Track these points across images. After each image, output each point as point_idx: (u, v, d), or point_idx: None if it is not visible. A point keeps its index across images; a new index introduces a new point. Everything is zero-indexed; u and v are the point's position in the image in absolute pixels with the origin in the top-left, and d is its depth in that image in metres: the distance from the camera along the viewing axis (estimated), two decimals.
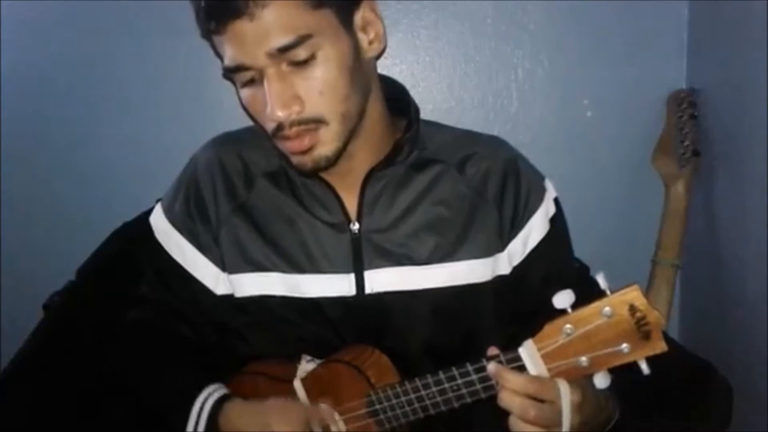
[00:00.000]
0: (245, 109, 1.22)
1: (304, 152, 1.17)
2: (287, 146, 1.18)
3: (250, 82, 1.15)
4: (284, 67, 1.12)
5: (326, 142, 1.17)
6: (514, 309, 1.33)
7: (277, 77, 1.12)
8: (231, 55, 1.12)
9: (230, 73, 1.16)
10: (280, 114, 1.12)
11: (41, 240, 1.98)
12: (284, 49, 1.10)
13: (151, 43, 1.86)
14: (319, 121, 1.15)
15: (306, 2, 1.10)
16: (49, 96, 1.91)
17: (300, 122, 1.14)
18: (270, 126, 1.16)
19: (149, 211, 1.41)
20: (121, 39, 1.86)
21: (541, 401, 1.04)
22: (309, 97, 1.13)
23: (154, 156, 1.90)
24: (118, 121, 1.91)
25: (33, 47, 1.88)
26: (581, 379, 1.05)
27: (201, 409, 1.23)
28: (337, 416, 1.22)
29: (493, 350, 1.07)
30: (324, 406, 1.21)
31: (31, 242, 1.99)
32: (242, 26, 1.08)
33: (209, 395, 1.24)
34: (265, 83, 1.12)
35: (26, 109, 1.91)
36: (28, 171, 1.95)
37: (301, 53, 1.10)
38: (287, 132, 1.14)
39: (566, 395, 1.03)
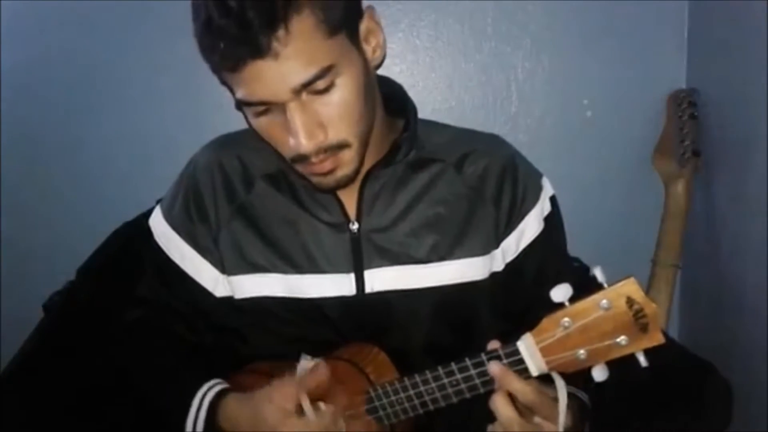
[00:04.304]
0: (259, 134, 1.20)
1: (326, 174, 1.16)
2: (309, 170, 1.17)
3: (265, 112, 1.13)
4: (304, 96, 1.09)
5: (348, 163, 1.16)
6: (506, 306, 1.33)
7: (299, 109, 1.09)
8: (249, 91, 1.10)
9: (246, 106, 1.14)
10: (307, 144, 1.10)
11: (41, 240, 1.98)
12: (308, 84, 1.08)
13: (151, 43, 1.86)
14: (342, 146, 1.14)
15: (324, 32, 1.07)
16: (49, 96, 1.91)
17: (326, 149, 1.13)
18: (292, 154, 1.15)
19: (150, 211, 1.41)
20: (121, 39, 1.86)
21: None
22: (331, 123, 1.12)
23: (154, 156, 1.90)
24: (118, 121, 1.91)
25: (33, 47, 1.88)
26: (575, 409, 1.08)
27: (200, 403, 1.23)
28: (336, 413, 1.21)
29: (494, 344, 1.07)
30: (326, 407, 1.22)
31: (31, 242, 1.99)
32: (264, 65, 1.05)
33: (209, 389, 1.24)
34: (288, 116, 1.10)
35: (26, 109, 1.91)
36: (28, 171, 1.95)
37: (321, 84, 1.08)
38: (314, 159, 1.13)
39: (563, 412, 1.04)
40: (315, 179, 1.19)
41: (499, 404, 1.04)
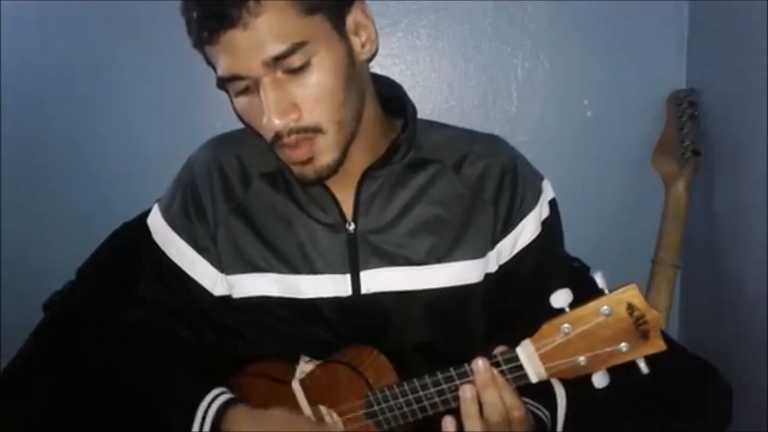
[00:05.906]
0: (240, 117, 1.21)
1: (305, 163, 1.16)
2: (287, 156, 1.17)
3: (245, 91, 1.14)
4: (279, 74, 1.10)
5: (325, 152, 1.16)
6: (496, 308, 1.33)
7: (272, 85, 1.10)
8: (225, 65, 1.11)
9: (224, 82, 1.15)
10: (278, 122, 1.11)
11: (41, 240, 1.98)
12: (279, 58, 1.08)
13: (151, 43, 1.86)
14: (316, 130, 1.13)
15: (299, 9, 1.08)
16: (49, 96, 1.90)
17: (298, 130, 1.13)
18: (268, 135, 1.15)
19: (149, 211, 1.41)
20: (121, 39, 1.86)
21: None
22: (305, 105, 1.12)
23: (154, 156, 1.89)
24: (118, 121, 1.91)
25: (33, 47, 1.88)
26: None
27: (206, 412, 1.23)
28: (336, 416, 1.22)
29: (500, 349, 1.07)
30: (330, 418, 1.22)
31: (31, 242, 1.98)
32: (236, 36, 1.07)
33: (214, 398, 1.24)
34: (261, 92, 1.11)
35: (26, 109, 1.91)
36: (28, 171, 1.95)
37: (295, 60, 1.09)
38: (286, 140, 1.13)
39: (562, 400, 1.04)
40: (296, 170, 1.19)
41: (492, 396, 1.06)
